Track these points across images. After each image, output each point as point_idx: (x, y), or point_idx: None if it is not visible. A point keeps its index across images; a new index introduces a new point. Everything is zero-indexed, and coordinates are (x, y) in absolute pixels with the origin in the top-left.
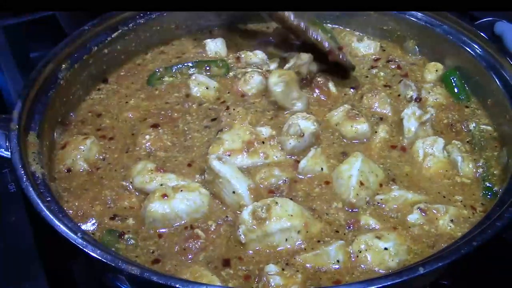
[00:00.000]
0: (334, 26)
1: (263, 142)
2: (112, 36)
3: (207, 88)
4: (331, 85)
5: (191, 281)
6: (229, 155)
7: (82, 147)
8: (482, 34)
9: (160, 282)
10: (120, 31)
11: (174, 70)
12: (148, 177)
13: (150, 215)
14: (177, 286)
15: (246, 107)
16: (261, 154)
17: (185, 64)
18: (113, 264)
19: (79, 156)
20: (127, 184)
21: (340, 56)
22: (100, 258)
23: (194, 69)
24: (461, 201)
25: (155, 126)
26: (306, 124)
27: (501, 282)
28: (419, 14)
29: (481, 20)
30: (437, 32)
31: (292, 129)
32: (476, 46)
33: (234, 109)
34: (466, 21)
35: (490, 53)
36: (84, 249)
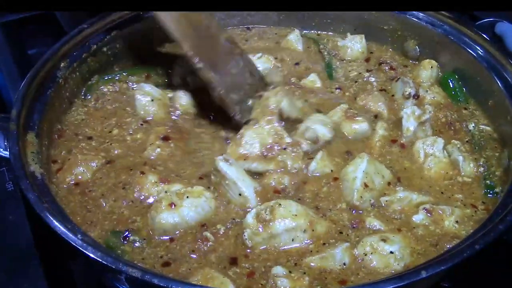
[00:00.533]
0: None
1: (284, 148)
2: (112, 34)
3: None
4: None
5: (193, 284)
6: (244, 160)
7: (84, 153)
8: (483, 34)
9: (161, 284)
10: (119, 29)
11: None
12: (151, 185)
13: (160, 227)
14: None
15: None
16: (279, 161)
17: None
18: (114, 266)
19: (80, 169)
20: (130, 189)
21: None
22: (100, 260)
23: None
24: (462, 200)
25: (165, 139)
26: (323, 131)
27: (503, 284)
28: (420, 14)
29: (482, 21)
30: (438, 33)
31: (309, 134)
32: (477, 47)
33: (265, 98)
34: (467, 21)
35: (491, 53)
36: (84, 250)
